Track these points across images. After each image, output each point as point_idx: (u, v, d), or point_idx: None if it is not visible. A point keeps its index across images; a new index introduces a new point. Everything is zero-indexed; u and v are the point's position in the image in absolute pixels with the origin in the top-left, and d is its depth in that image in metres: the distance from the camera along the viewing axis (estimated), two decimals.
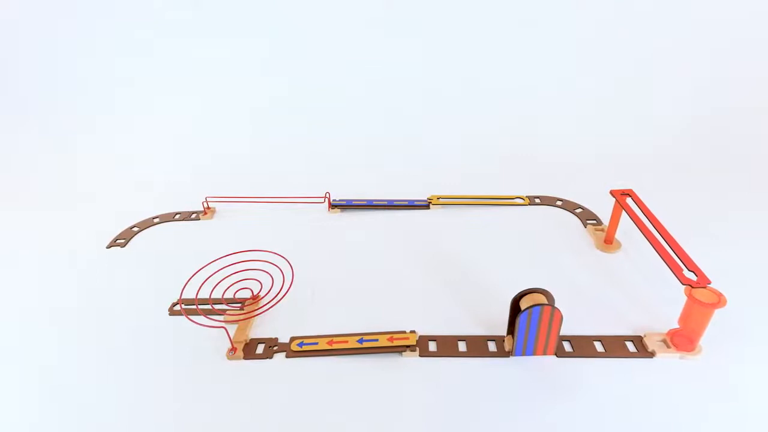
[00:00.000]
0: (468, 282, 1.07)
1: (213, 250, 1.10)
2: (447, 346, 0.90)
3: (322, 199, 1.38)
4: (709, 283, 0.80)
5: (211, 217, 1.38)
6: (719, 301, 0.76)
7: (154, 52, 1.63)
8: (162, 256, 1.21)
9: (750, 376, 0.81)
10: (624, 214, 1.07)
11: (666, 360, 0.84)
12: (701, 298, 0.77)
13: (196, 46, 1.62)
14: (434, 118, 1.69)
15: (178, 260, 1.17)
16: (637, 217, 1.00)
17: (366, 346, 0.90)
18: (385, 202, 1.39)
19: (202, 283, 1.03)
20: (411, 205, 1.38)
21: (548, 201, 1.37)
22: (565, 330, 0.90)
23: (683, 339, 0.83)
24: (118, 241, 1.26)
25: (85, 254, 1.22)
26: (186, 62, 1.65)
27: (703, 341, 0.84)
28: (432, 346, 0.90)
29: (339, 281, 1.09)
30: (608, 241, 1.15)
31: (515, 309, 0.86)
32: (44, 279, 1.13)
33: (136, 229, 1.31)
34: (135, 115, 1.71)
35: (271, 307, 0.98)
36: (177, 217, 1.37)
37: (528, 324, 0.82)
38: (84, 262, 1.19)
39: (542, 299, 0.82)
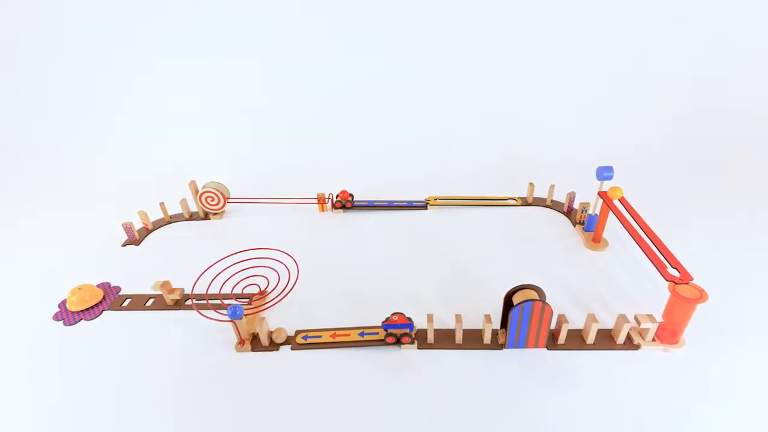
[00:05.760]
0: (463, 278, 1.07)
1: (222, 249, 1.11)
2: (444, 339, 0.90)
3: (326, 200, 1.38)
4: (692, 280, 0.80)
5: (221, 218, 1.38)
6: (701, 296, 0.76)
7: (157, 52, 1.62)
8: (174, 254, 1.21)
9: (730, 367, 0.81)
10: (611, 216, 1.07)
11: (650, 352, 0.84)
12: (684, 293, 0.77)
13: (198, 46, 1.61)
14: (432, 121, 1.68)
15: (189, 258, 1.17)
16: (624, 217, 1.00)
17: (367, 339, 0.90)
18: (385, 203, 1.39)
19: (212, 280, 1.03)
20: (410, 206, 1.38)
21: (539, 202, 1.37)
22: (555, 323, 0.90)
23: (667, 332, 0.83)
24: (132, 240, 1.26)
25: (102, 253, 1.22)
26: (191, 63, 1.64)
27: (686, 334, 0.84)
28: (429, 339, 0.90)
29: (341, 278, 1.09)
30: (596, 240, 1.15)
31: (508, 304, 0.86)
32: (60, 276, 1.12)
33: (149, 228, 1.31)
34: (144, 116, 1.70)
35: (277, 303, 0.99)
36: (189, 216, 1.37)
37: (520, 318, 0.82)
38: (101, 260, 1.19)
39: (534, 295, 0.82)
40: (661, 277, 0.83)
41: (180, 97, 1.68)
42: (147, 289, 1.07)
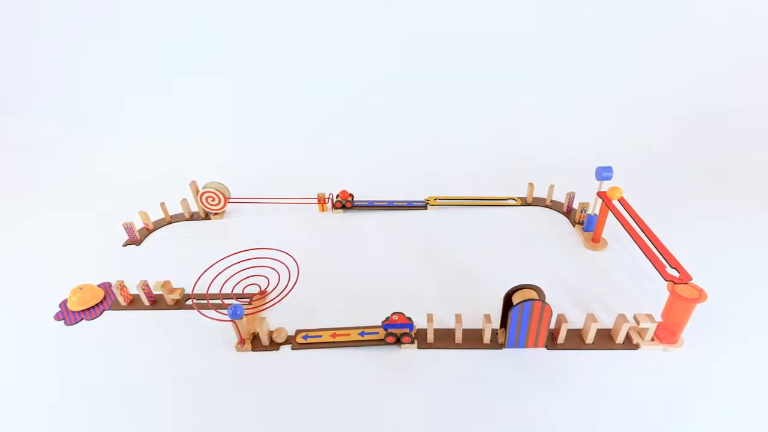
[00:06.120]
0: (463, 278, 1.07)
1: (222, 249, 1.11)
2: (444, 339, 0.90)
3: (326, 200, 1.38)
4: (691, 280, 0.80)
5: (222, 218, 1.38)
6: (700, 296, 0.77)
7: (158, 52, 1.62)
8: (175, 254, 1.21)
9: (729, 367, 0.81)
10: (611, 216, 1.07)
11: (649, 352, 0.84)
12: (683, 293, 0.78)
13: (202, 46, 1.61)
14: (432, 121, 1.69)
15: (190, 258, 1.17)
16: (623, 217, 1.00)
17: (367, 338, 0.90)
18: (385, 203, 1.39)
19: (213, 280, 1.03)
20: (410, 206, 1.38)
21: (539, 202, 1.37)
22: (555, 323, 0.90)
23: (666, 332, 0.84)
24: (133, 240, 1.27)
25: (102, 253, 1.23)
26: (193, 63, 1.64)
27: (685, 334, 0.84)
28: (429, 338, 0.90)
29: (341, 278, 1.09)
30: (596, 240, 1.15)
31: (508, 304, 0.86)
32: (61, 276, 1.12)
33: (150, 228, 1.32)
34: (144, 117, 1.71)
35: (277, 303, 0.99)
36: (190, 216, 1.37)
37: (520, 318, 0.82)
38: (101, 260, 1.20)
39: (533, 295, 0.82)
40: (661, 278, 0.83)
41: (180, 96, 1.68)
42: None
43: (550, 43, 1.57)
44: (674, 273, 0.82)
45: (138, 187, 1.54)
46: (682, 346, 0.84)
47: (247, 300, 1.01)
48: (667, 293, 0.81)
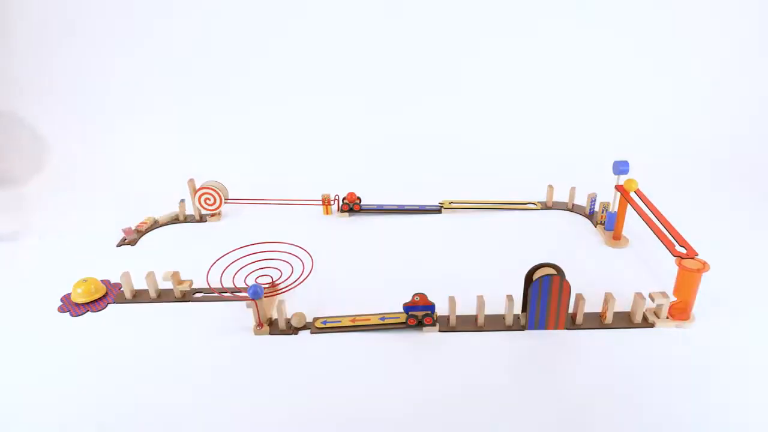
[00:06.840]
0: (482, 277, 1.36)
1: (222, 249, 1.43)
2: (465, 322, 1.19)
3: (331, 201, 1.68)
4: (696, 255, 1.12)
5: (219, 219, 1.67)
6: (704, 267, 1.08)
7: (158, 50, 2.03)
8: (173, 254, 1.49)
9: (737, 339, 1.12)
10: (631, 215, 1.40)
11: (664, 329, 1.14)
12: (689, 266, 1.09)
13: (204, 44, 2.02)
14: (449, 124, 2.08)
15: (189, 257, 1.44)
16: (639, 207, 1.33)
17: (388, 322, 1.18)
18: (396, 207, 1.70)
19: (222, 273, 1.33)
20: (422, 210, 1.69)
21: (559, 205, 1.70)
22: (573, 306, 1.20)
23: (678, 310, 1.14)
24: (127, 241, 1.55)
25: (98, 252, 1.51)
26: (194, 61, 2.05)
27: (697, 312, 1.15)
28: (451, 322, 1.18)
29: (350, 280, 1.37)
30: (616, 238, 1.47)
31: (529, 283, 1.16)
32: (58, 276, 1.38)
33: (143, 230, 1.60)
34: (144, 116, 2.09)
35: (292, 288, 1.27)
36: (183, 219, 1.67)
37: (539, 294, 1.12)
38: (98, 259, 1.48)
39: (552, 272, 1.12)
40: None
41: (181, 96, 2.08)
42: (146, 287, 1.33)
43: (569, 40, 1.99)
44: (682, 250, 1.14)
45: (135, 187, 1.88)
46: (694, 322, 1.14)
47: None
48: None
